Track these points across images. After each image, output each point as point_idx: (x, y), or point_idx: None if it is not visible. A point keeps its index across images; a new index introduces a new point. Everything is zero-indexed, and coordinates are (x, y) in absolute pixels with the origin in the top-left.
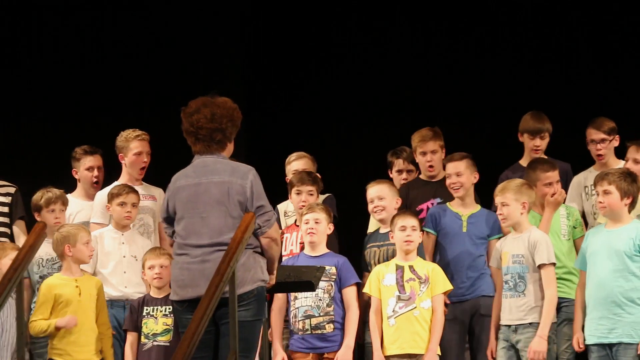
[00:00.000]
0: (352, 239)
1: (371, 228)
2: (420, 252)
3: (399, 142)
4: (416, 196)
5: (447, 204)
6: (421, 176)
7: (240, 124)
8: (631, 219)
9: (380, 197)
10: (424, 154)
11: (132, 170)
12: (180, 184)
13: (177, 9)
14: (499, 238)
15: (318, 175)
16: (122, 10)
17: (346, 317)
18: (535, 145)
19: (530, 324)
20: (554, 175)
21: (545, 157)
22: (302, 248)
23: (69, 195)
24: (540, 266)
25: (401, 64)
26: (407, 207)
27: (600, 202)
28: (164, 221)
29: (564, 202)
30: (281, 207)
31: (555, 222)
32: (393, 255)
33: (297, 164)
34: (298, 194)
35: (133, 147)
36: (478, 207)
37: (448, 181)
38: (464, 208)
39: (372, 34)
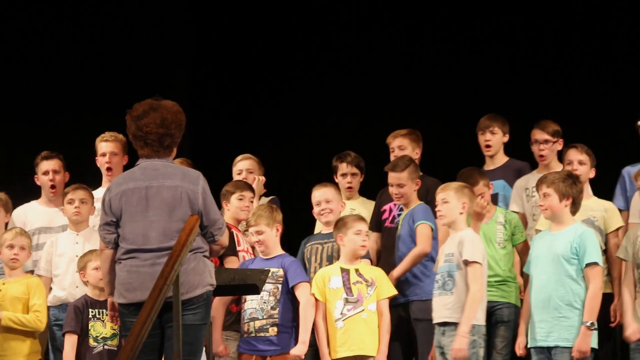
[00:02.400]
0: (297, 241)
1: (317, 231)
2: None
3: (345, 146)
4: (386, 198)
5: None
6: None
7: (185, 127)
8: (573, 221)
9: (327, 199)
10: (393, 150)
11: (102, 172)
12: (128, 187)
13: (125, 9)
14: (423, 223)
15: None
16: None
17: (300, 314)
18: (485, 139)
19: (455, 325)
20: (479, 188)
21: (470, 168)
22: None
23: (34, 202)
24: (465, 262)
25: (351, 66)
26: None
27: (541, 205)
28: (105, 226)
29: (506, 208)
30: None
31: (491, 229)
32: (337, 253)
33: (242, 164)
34: (240, 199)
35: (99, 148)
36: (415, 204)
37: (390, 190)
38: (404, 212)
39: (320, 37)
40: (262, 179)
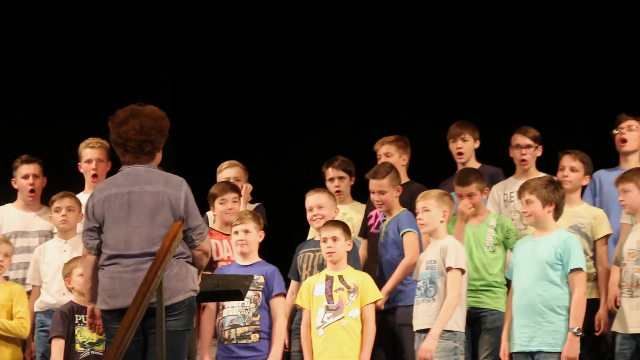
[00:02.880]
0: (283, 248)
1: (310, 237)
2: (351, 261)
3: (339, 150)
4: (372, 204)
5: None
6: None
7: (169, 132)
8: (557, 227)
9: (320, 205)
10: (380, 157)
11: (86, 178)
12: (110, 193)
13: (107, 15)
14: (410, 231)
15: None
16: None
17: (273, 326)
18: (457, 147)
19: None
20: (462, 189)
21: (469, 168)
22: None
23: (10, 205)
24: (448, 269)
25: (342, 69)
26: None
27: (524, 212)
28: (88, 232)
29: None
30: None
31: (481, 233)
32: None
33: (228, 172)
34: (222, 203)
35: (83, 154)
36: (398, 211)
37: (371, 197)
38: (387, 219)
39: (308, 41)
40: (249, 187)
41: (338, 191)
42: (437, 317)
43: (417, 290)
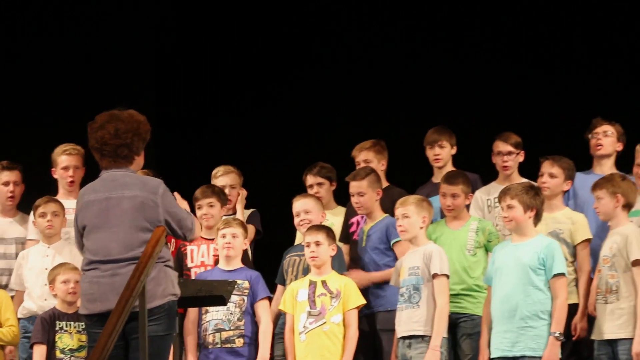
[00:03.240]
0: (277, 254)
1: (298, 242)
2: (336, 265)
3: (319, 156)
4: (353, 210)
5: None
6: None
7: (150, 135)
8: (537, 232)
9: (307, 210)
10: (358, 164)
11: (62, 184)
12: (89, 199)
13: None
14: (400, 241)
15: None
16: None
17: (259, 331)
18: (434, 154)
19: (422, 337)
20: (448, 188)
21: (458, 170)
22: (217, 262)
23: None
24: (433, 276)
25: (325, 78)
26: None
27: (505, 217)
28: (77, 235)
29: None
30: None
31: (463, 236)
32: None
33: (223, 179)
34: (199, 208)
35: (60, 161)
36: (381, 217)
37: (351, 199)
38: (368, 223)
39: (294, 43)
40: (244, 192)
41: (318, 198)
42: (434, 328)
43: (399, 296)
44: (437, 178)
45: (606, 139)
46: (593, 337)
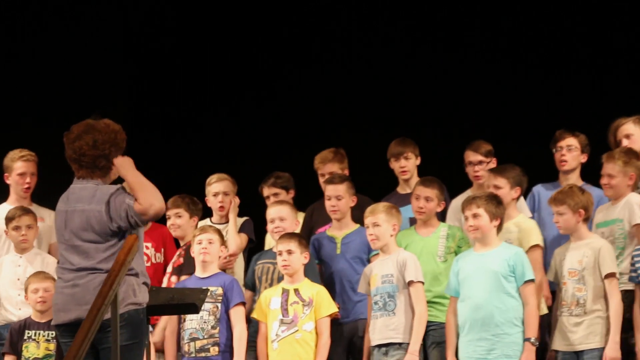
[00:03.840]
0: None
1: (267, 247)
2: (309, 273)
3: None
4: (318, 219)
5: (327, 230)
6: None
7: (126, 144)
8: (500, 241)
9: (282, 218)
10: (323, 176)
11: (16, 191)
12: (59, 208)
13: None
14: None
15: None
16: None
17: (234, 337)
18: (400, 166)
19: (400, 344)
20: (422, 190)
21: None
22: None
23: None
24: (409, 283)
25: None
26: (311, 229)
27: (471, 226)
28: None
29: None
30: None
31: (433, 243)
32: None
33: (217, 186)
34: (168, 218)
35: (16, 167)
36: (355, 227)
37: (327, 203)
38: (339, 230)
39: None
40: (237, 200)
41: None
42: (413, 334)
43: (374, 305)
44: (403, 189)
45: (570, 154)
46: (557, 347)
